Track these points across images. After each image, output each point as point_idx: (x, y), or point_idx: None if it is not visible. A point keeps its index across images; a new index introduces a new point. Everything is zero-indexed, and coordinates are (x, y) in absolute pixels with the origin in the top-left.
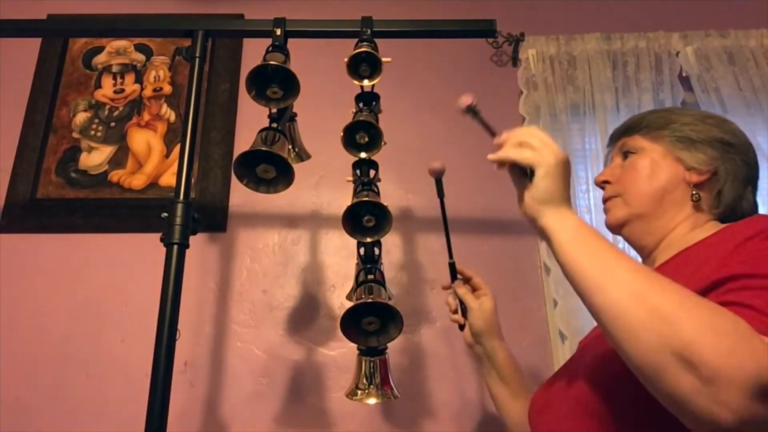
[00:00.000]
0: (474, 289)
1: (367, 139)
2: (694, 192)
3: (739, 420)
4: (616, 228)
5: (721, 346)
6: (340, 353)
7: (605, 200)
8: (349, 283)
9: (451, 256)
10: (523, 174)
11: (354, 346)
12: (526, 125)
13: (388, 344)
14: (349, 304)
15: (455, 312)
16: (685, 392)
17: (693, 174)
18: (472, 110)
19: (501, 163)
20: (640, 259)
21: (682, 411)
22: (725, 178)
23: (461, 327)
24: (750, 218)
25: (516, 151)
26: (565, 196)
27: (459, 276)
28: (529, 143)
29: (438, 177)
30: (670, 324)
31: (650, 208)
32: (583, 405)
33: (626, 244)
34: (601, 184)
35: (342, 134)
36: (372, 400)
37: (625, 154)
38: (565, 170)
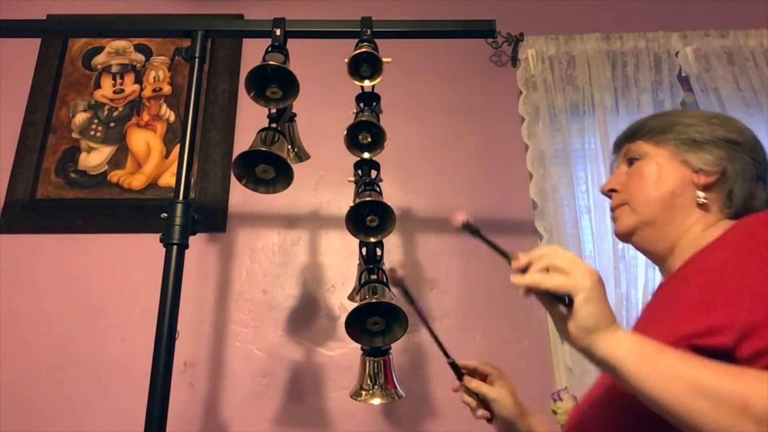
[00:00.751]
0: (483, 377)
1: (369, 139)
2: (700, 195)
3: None
4: (625, 237)
5: None
6: (340, 353)
7: (613, 209)
8: (349, 283)
9: (447, 356)
10: (555, 300)
11: (354, 346)
12: (544, 244)
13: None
14: (349, 305)
15: (477, 407)
16: None
17: (701, 176)
18: (469, 228)
19: (527, 291)
20: (657, 269)
21: None
22: (734, 178)
23: (490, 420)
24: (761, 213)
25: (547, 279)
26: (611, 316)
27: (464, 370)
28: (558, 267)
29: (400, 285)
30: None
31: (659, 214)
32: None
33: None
34: (608, 192)
35: (345, 134)
36: (377, 401)
37: (630, 161)
38: (602, 288)
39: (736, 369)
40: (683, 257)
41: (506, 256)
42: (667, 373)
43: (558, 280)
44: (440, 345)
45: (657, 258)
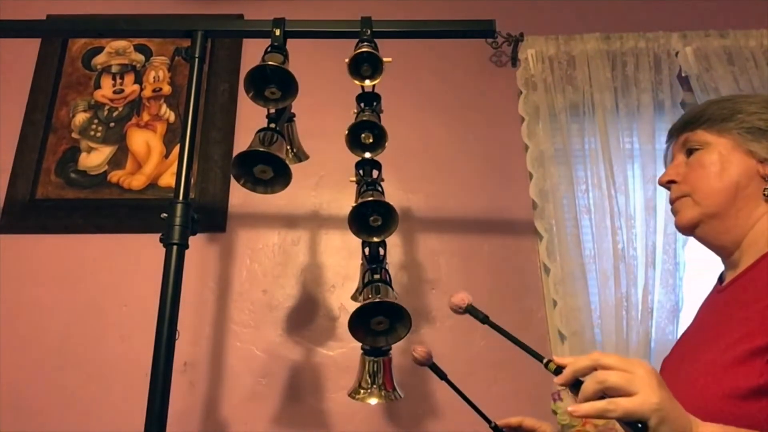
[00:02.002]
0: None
1: (371, 139)
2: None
3: None
4: (687, 230)
5: None
6: (340, 353)
7: (672, 201)
8: (349, 284)
9: (489, 421)
10: (626, 425)
11: (354, 346)
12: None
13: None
14: (350, 304)
15: None
16: None
17: (767, 166)
18: (471, 311)
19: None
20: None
21: None
22: None
23: None
24: None
25: (610, 407)
26: (686, 420)
27: (505, 430)
28: (615, 387)
29: (428, 364)
30: None
31: (724, 207)
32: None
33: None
34: (666, 184)
35: (346, 134)
36: (374, 400)
37: (689, 151)
38: (668, 393)
39: None
40: (752, 253)
41: (514, 341)
42: None
43: (623, 406)
44: (479, 412)
45: (722, 252)
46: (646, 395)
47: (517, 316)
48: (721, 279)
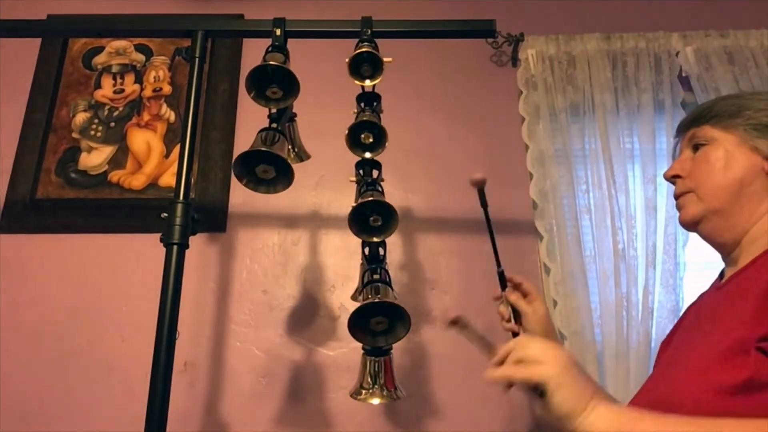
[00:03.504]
0: (524, 295)
1: (371, 139)
2: None
3: None
4: (690, 225)
5: None
6: (340, 353)
7: (677, 196)
8: (350, 284)
9: (499, 264)
10: (533, 392)
11: (354, 346)
12: (522, 337)
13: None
14: (350, 304)
15: (508, 320)
16: None
17: None
18: (459, 324)
19: (508, 385)
20: (720, 256)
21: None
22: None
23: (515, 334)
24: None
25: (517, 370)
26: (584, 395)
27: (508, 284)
28: (528, 357)
29: (480, 187)
30: None
31: (727, 203)
32: None
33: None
34: (671, 179)
35: (346, 134)
36: (376, 400)
37: (696, 147)
38: (572, 370)
39: (717, 422)
40: (752, 251)
41: (488, 349)
42: None
43: (527, 371)
44: (496, 253)
45: (723, 249)
46: (550, 367)
47: None
48: (721, 275)
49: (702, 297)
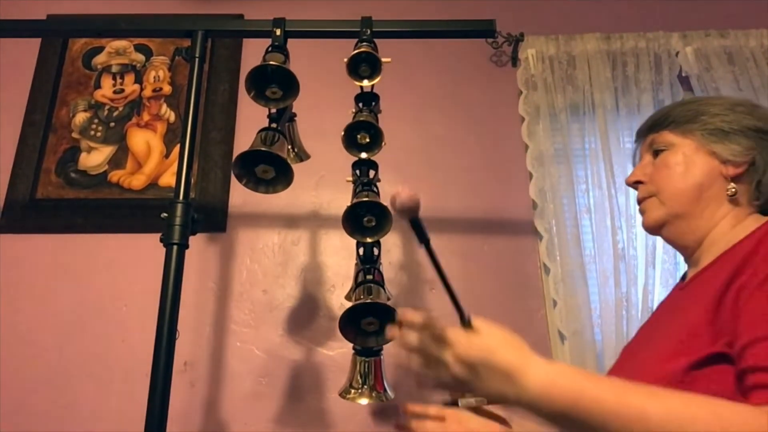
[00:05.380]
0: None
1: (368, 139)
2: (730, 187)
3: None
4: (654, 230)
5: None
6: (340, 353)
7: (640, 201)
8: (349, 284)
9: (463, 315)
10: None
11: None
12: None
13: (385, 345)
14: (348, 305)
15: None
16: None
17: (729, 167)
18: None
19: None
20: (682, 259)
21: None
22: (764, 168)
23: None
24: None
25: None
26: (524, 352)
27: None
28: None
29: (413, 216)
30: None
31: (688, 207)
32: None
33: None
34: (633, 184)
35: (343, 134)
36: (364, 401)
37: (656, 152)
38: (509, 335)
39: (659, 391)
40: (712, 252)
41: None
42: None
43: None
44: (456, 302)
45: (686, 251)
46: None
47: (518, 316)
48: (684, 277)
49: (666, 299)
